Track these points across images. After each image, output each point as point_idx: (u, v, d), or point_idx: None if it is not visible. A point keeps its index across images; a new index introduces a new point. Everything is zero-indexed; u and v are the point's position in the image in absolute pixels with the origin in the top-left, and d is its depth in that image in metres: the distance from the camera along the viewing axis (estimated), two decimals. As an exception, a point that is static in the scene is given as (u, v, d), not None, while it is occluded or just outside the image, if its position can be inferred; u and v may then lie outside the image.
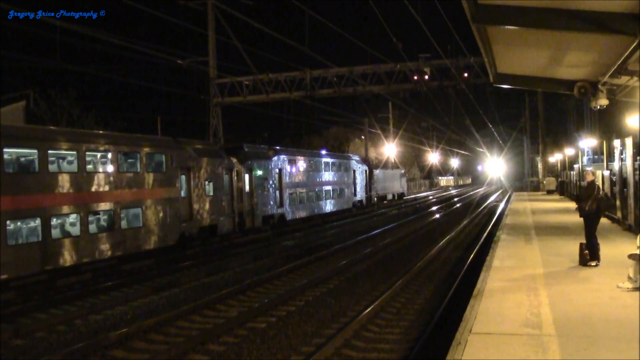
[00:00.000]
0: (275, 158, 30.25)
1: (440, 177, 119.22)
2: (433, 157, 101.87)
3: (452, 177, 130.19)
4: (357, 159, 46.38)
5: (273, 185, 29.59)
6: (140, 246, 18.89)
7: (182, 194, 21.36)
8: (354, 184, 43.06)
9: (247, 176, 26.81)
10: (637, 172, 16.14)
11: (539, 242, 16.03)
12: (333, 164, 39.64)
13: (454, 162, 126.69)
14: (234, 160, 25.80)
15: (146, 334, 10.99)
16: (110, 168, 18.15)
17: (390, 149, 68.57)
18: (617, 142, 19.22)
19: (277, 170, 30.31)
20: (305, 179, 34.25)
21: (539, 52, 13.24)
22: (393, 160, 67.48)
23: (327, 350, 9.38)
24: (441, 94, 38.62)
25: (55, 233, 16.02)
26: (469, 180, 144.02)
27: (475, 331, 7.36)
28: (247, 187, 26.71)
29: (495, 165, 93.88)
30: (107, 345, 10.21)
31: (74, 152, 16.90)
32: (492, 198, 57.18)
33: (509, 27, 10.66)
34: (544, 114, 56.13)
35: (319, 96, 38.03)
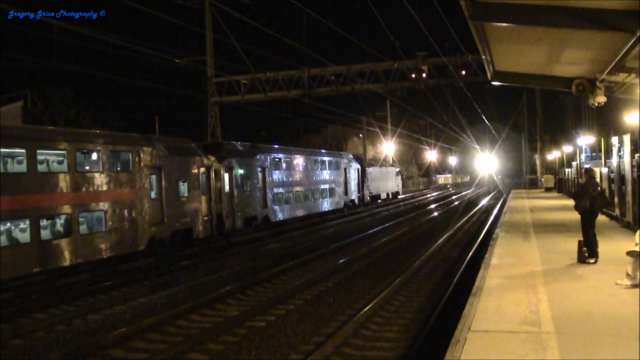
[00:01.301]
0: (258, 156, 28.73)
1: (438, 175, 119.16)
2: (431, 155, 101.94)
3: (451, 175, 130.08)
4: (350, 156, 45.19)
5: (256, 185, 28.18)
6: (103, 252, 17.57)
7: (152, 195, 20.04)
8: (346, 182, 41.68)
9: (226, 175, 25.33)
10: (635, 169, 16.14)
11: (537, 239, 16.02)
12: (323, 162, 38.23)
13: (452, 160, 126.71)
14: (213, 158, 24.28)
15: (145, 334, 10.99)
16: (66, 168, 16.64)
17: (388, 147, 68.63)
18: (615, 140, 19.26)
19: (260, 168, 28.77)
20: (292, 178, 32.69)
21: (537, 50, 13.24)
22: (391, 158, 67.50)
23: (327, 349, 9.38)
24: (439, 91, 38.58)
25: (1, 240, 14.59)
26: (467, 178, 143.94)
27: (474, 329, 7.36)
28: (226, 187, 25.22)
29: (488, 162, 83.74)
30: (106, 344, 10.20)
31: (23, 151, 15.40)
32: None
33: (506, 24, 10.66)
34: (542, 111, 56.14)
35: (316, 95, 37.88)
